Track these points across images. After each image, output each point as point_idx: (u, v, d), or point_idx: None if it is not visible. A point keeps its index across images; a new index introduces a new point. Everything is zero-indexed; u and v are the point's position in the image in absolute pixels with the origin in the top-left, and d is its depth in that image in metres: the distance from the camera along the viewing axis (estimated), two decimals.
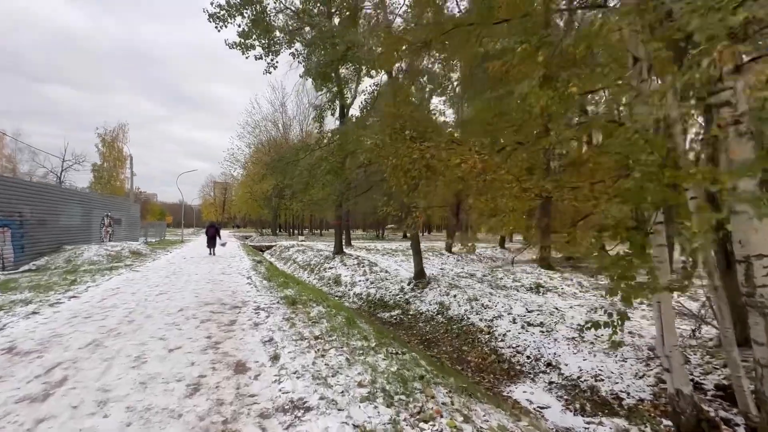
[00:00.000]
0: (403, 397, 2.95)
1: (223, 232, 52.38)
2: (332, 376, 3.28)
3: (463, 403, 3.16)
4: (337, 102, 15.69)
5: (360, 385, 3.12)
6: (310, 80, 13.26)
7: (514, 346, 6.40)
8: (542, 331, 6.55)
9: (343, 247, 17.82)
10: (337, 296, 12.21)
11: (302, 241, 33.77)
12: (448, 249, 20.44)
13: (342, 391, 2.98)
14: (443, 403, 2.97)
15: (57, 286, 7.81)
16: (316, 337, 4.42)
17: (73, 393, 2.95)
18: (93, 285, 8.11)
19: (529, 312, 7.30)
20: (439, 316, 8.46)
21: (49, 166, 46.88)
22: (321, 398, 2.86)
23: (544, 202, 6.02)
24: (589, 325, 3.40)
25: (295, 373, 3.35)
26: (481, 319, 7.57)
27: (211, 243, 16.63)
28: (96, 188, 45.02)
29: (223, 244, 18.39)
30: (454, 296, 9.01)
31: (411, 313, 9.10)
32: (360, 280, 12.77)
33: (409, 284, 10.55)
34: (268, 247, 31.17)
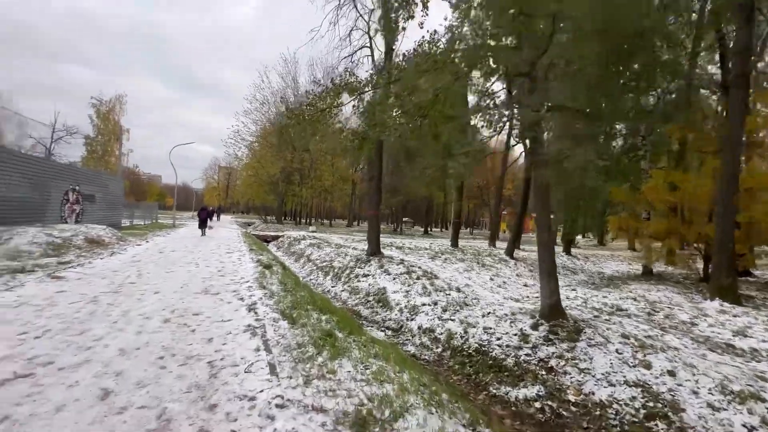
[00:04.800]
0: None
1: (224, 217, 48.24)
2: None
3: None
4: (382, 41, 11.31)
5: None
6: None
7: None
8: None
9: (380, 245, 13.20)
10: (388, 329, 7.67)
11: (313, 231, 29.17)
12: (510, 254, 15.80)
13: None
14: None
15: None
16: None
17: None
18: None
19: None
20: (661, 423, 3.87)
21: (38, 137, 42.71)
22: None
23: None
24: None
25: None
26: None
27: (203, 224, 18.72)
28: (89, 164, 40.86)
29: (210, 228, 20.95)
30: (669, 373, 4.40)
31: (570, 399, 4.52)
32: (423, 305, 8.17)
33: (535, 327, 5.95)
34: (275, 238, 26.60)
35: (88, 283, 5.99)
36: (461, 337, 6.55)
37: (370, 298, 9.43)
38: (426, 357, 6.31)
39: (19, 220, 11.60)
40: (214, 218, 31.39)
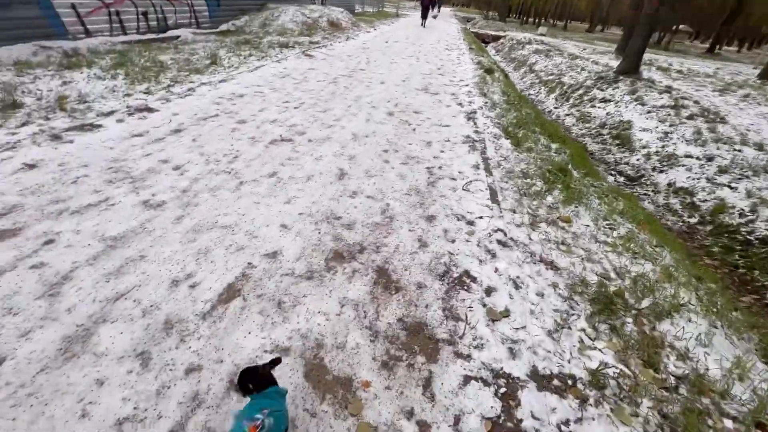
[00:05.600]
0: None
1: (444, 9, 44.85)
2: None
3: None
4: None
5: None
6: None
7: None
8: None
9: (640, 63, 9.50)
10: (620, 174, 6.10)
11: (541, 35, 23.88)
12: None
13: None
14: None
15: (151, 79, 4.67)
16: None
17: None
18: (200, 85, 4.65)
19: None
20: None
21: None
22: None
23: None
24: None
25: None
26: None
27: (425, 14, 18.15)
28: None
29: (434, 17, 21.62)
30: None
31: None
32: (687, 156, 5.90)
33: None
34: (494, 38, 23.23)
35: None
36: (741, 215, 4.59)
37: (605, 131, 7.47)
38: (667, 223, 4.88)
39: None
40: (435, 9, 29.28)
